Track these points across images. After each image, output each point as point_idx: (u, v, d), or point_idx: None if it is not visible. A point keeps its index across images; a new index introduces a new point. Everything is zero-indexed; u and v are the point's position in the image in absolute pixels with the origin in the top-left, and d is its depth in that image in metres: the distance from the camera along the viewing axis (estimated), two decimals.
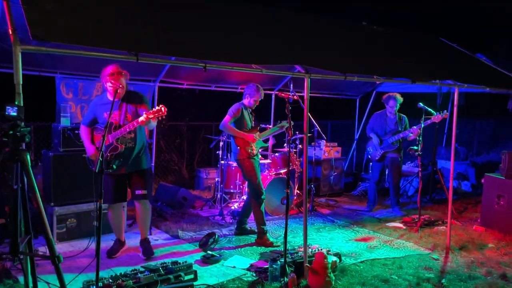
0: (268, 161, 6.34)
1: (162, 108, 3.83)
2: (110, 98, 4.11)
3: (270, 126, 6.19)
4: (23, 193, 2.59)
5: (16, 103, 2.59)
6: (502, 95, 6.22)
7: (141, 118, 3.88)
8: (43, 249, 4.14)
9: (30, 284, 2.73)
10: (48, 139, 5.42)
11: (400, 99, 6.44)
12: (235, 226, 5.34)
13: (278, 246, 4.82)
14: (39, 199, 2.56)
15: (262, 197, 4.98)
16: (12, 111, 2.51)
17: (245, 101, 5.11)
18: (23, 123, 2.56)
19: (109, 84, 3.98)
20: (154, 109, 3.86)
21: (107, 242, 4.66)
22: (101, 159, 3.00)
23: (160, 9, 4.09)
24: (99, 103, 4.23)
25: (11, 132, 2.51)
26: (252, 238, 5.11)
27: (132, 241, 4.78)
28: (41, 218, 2.57)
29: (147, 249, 4.34)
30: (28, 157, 2.56)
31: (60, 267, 2.61)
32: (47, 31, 2.79)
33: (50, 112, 5.78)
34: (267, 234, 4.98)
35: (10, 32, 2.63)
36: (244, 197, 6.20)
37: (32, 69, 5.33)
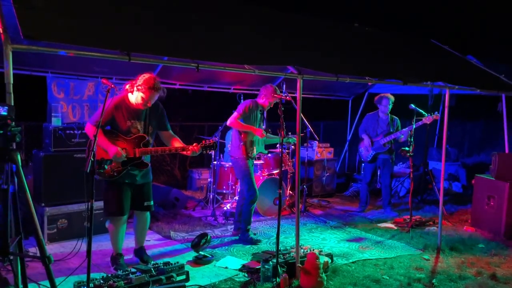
0: (261, 161, 6.34)
1: (214, 144, 3.94)
2: (136, 107, 3.87)
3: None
4: (14, 193, 2.56)
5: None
6: (492, 96, 6.28)
7: (191, 147, 3.87)
8: (33, 250, 4.10)
9: (20, 285, 2.70)
10: (39, 139, 5.39)
11: (392, 98, 6.49)
12: (240, 235, 5.07)
13: (260, 241, 4.93)
14: (30, 199, 2.54)
15: (255, 197, 4.97)
16: (2, 111, 2.49)
17: (260, 100, 5.03)
18: (13, 122, 2.54)
19: (142, 95, 3.76)
20: (208, 141, 3.91)
21: (98, 243, 4.64)
22: (92, 159, 2.98)
23: (152, 8, 4.08)
24: (124, 107, 3.88)
25: (1, 131, 2.49)
26: None
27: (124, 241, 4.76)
28: (32, 219, 2.55)
29: (144, 257, 4.26)
30: (19, 157, 2.54)
31: (51, 268, 2.59)
32: (38, 30, 2.77)
33: (41, 112, 5.74)
34: (250, 232, 5.01)
35: (1, 31, 2.62)
36: (237, 197, 6.19)
37: (23, 69, 5.29)
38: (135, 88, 3.79)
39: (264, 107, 5.08)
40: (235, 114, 4.91)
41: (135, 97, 3.84)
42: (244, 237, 4.98)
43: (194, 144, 3.92)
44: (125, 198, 3.98)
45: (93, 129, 3.74)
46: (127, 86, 3.86)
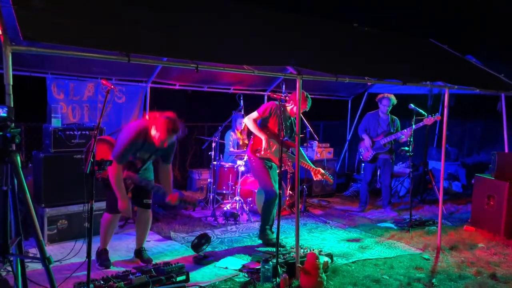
0: None
1: (195, 203, 4.18)
2: (153, 144, 3.92)
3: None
4: (13, 194, 2.57)
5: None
6: (492, 96, 6.28)
7: (170, 196, 3.98)
8: (33, 251, 4.10)
9: (20, 287, 2.71)
10: (39, 140, 5.41)
11: (393, 99, 6.48)
12: (258, 234, 5.04)
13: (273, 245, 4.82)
14: (29, 200, 2.54)
15: (272, 197, 4.84)
16: (2, 112, 2.50)
17: (288, 106, 4.84)
18: (13, 124, 2.54)
19: (159, 135, 3.80)
20: (189, 198, 4.11)
21: (98, 243, 4.63)
22: (92, 160, 2.98)
23: (152, 9, 4.09)
24: (140, 142, 3.90)
25: (0, 133, 2.49)
26: (245, 239, 5.11)
27: (124, 242, 4.76)
28: (31, 220, 2.56)
29: (145, 257, 4.28)
30: (18, 158, 2.54)
31: (51, 268, 2.59)
32: (38, 31, 2.78)
33: (41, 113, 5.74)
34: (268, 231, 4.93)
35: (0, 33, 2.62)
36: (237, 197, 6.20)
37: (23, 69, 5.30)
38: (153, 128, 3.84)
39: (291, 115, 4.90)
40: (254, 113, 4.81)
41: (153, 134, 3.88)
42: (261, 236, 4.93)
43: (176, 193, 4.02)
44: None
45: (118, 168, 3.83)
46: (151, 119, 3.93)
